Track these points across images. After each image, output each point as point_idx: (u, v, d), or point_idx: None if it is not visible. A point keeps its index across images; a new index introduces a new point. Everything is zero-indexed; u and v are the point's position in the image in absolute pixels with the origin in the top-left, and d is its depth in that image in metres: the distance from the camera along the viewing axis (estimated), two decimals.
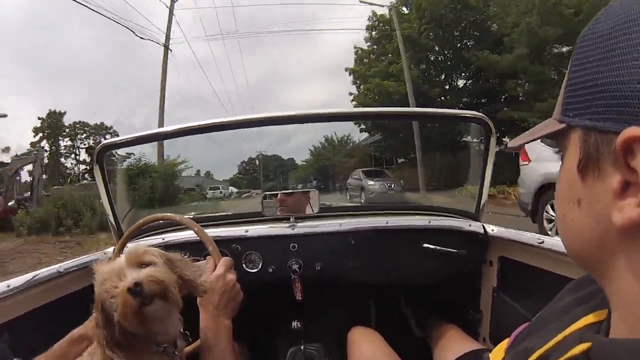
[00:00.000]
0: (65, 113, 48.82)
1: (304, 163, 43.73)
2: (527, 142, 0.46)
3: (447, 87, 19.40)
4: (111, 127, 48.02)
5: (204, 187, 37.34)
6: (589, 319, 0.43)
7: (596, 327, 0.42)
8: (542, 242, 1.14)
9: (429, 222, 1.52)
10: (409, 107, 13.97)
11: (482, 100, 18.33)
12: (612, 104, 0.32)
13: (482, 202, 1.54)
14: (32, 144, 42.42)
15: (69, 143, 50.24)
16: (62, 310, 1.24)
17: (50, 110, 48.32)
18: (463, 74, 19.12)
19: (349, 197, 19.47)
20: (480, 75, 17.98)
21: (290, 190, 1.67)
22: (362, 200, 16.39)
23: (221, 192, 37.22)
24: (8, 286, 1.10)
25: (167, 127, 1.48)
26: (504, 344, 0.58)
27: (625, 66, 0.31)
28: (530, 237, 1.22)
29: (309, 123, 1.60)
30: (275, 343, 1.71)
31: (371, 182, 16.97)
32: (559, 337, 0.43)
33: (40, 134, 44.43)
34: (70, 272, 1.31)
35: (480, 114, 1.44)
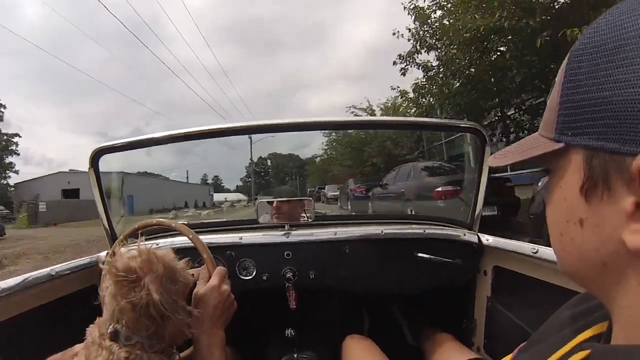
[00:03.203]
0: None
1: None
2: (516, 162, 0.44)
3: None
4: None
5: None
6: (590, 332, 0.43)
7: (597, 339, 0.42)
8: (537, 252, 1.14)
9: (424, 232, 1.52)
10: None
11: None
12: (625, 124, 0.30)
13: (477, 211, 1.55)
14: None
15: None
16: (53, 314, 1.22)
17: None
18: None
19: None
20: None
21: (286, 199, 1.67)
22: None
23: None
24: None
25: (164, 132, 1.47)
26: (509, 358, 0.58)
27: (638, 83, 0.30)
28: (524, 246, 1.22)
29: (305, 131, 1.60)
30: (268, 351, 1.70)
31: None
32: (562, 350, 0.43)
33: None
34: (63, 276, 1.30)
35: (475, 124, 1.45)
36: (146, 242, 1.39)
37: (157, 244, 1.43)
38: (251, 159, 32.70)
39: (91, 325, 0.88)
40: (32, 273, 1.22)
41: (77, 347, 0.99)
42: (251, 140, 32.75)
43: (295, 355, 1.59)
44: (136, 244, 1.28)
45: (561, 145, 0.37)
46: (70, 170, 39.64)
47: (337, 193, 23.89)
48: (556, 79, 0.38)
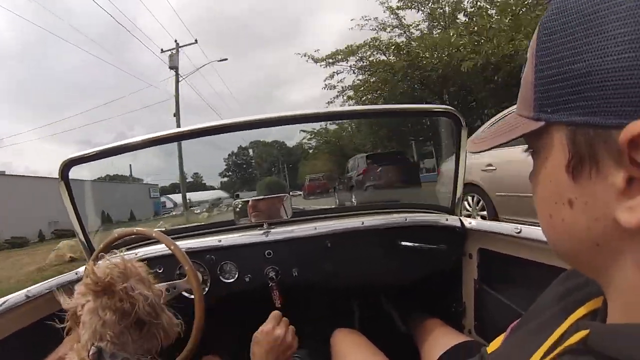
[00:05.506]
0: None
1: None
2: (496, 146, 0.42)
3: None
4: None
5: None
6: (584, 310, 0.43)
7: (592, 317, 0.41)
8: (520, 232, 1.14)
9: (405, 219, 1.51)
10: None
11: None
12: (607, 95, 0.29)
13: (458, 195, 1.55)
14: None
15: None
16: (34, 338, 1.18)
17: None
18: None
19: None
20: None
21: (262, 196, 1.64)
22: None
23: None
24: None
25: (137, 138, 1.42)
26: (501, 338, 0.58)
27: (617, 50, 0.28)
28: (508, 227, 1.22)
29: (277, 126, 1.57)
30: None
31: None
32: (558, 331, 0.42)
33: None
34: (41, 296, 1.24)
35: (450, 107, 1.45)
36: (126, 253, 1.37)
37: (136, 254, 1.39)
38: (180, 162, 19.90)
39: (69, 353, 0.83)
40: (8, 297, 1.17)
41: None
42: (180, 147, 18.90)
43: None
44: (115, 255, 1.25)
45: (541, 124, 0.35)
46: None
47: None
48: (528, 53, 0.37)
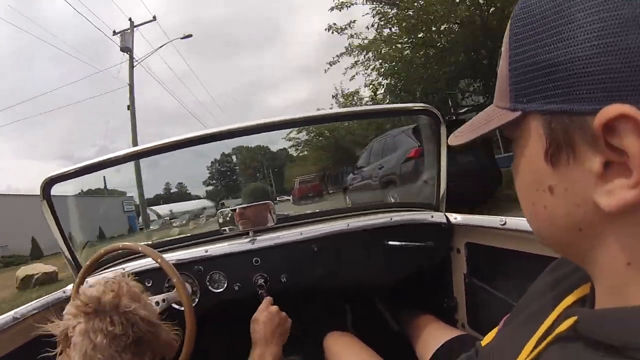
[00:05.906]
0: None
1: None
2: (475, 138, 0.42)
3: None
4: None
5: None
6: (572, 297, 0.43)
7: (580, 303, 0.42)
8: (505, 224, 1.16)
9: (391, 219, 1.52)
10: None
11: None
12: (579, 82, 0.30)
13: (441, 192, 1.56)
14: None
15: None
16: (25, 359, 1.16)
17: None
18: None
19: None
20: None
21: (247, 204, 1.63)
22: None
23: None
24: None
25: (119, 152, 1.40)
26: (495, 331, 0.59)
27: (586, 38, 0.29)
28: (493, 220, 1.23)
29: (257, 133, 1.56)
30: None
31: None
32: (549, 320, 0.43)
33: None
34: (30, 317, 1.21)
35: (427, 105, 1.46)
36: (113, 269, 1.36)
37: (124, 269, 1.38)
38: (138, 176, 16.29)
39: None
40: None
41: None
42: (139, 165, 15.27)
43: None
44: (102, 271, 1.24)
45: (518, 114, 0.36)
46: None
47: None
48: (502, 47, 0.38)
